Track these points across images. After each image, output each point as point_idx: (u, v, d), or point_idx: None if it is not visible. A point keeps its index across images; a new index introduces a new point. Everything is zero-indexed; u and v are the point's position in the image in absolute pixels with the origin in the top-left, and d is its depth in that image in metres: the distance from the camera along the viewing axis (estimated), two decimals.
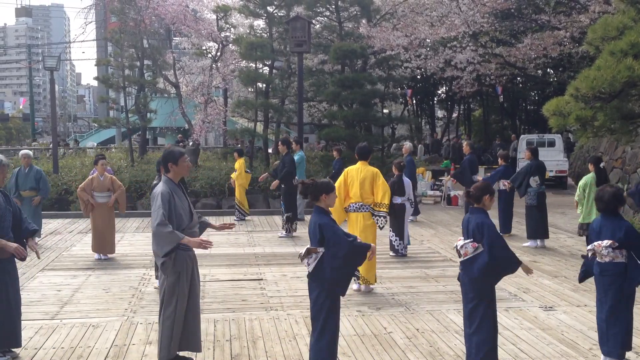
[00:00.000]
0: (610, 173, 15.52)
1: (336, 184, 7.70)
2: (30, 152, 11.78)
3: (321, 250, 4.82)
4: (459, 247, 5.13)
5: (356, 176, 7.81)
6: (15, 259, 5.46)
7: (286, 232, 11.91)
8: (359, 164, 7.91)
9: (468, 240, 5.07)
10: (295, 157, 12.54)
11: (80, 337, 6.10)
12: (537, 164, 10.91)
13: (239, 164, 13.96)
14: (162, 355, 5.02)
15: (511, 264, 5.07)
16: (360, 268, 7.65)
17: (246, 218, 14.04)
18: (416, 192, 17.79)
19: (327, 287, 4.80)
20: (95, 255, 9.82)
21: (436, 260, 9.78)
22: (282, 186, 12.05)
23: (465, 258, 5.06)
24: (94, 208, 9.78)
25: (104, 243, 9.79)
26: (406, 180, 10.02)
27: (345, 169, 8.12)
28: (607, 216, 5.29)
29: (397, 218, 9.82)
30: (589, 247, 5.39)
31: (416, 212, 13.84)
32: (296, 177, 12.12)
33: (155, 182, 7.02)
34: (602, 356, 5.29)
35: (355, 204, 7.79)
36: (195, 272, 5.19)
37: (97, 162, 10.12)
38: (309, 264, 4.89)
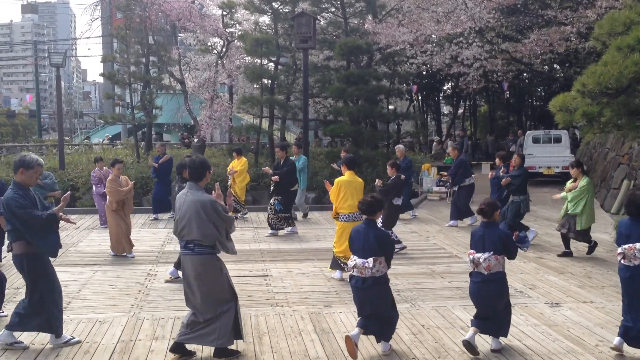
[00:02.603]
0: (617, 169, 15.45)
1: (331, 193, 7.98)
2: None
3: (381, 259, 5.51)
4: (481, 260, 5.49)
5: (351, 188, 8.03)
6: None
7: (288, 226, 11.81)
8: (349, 174, 8.15)
9: (489, 254, 5.47)
10: (298, 163, 12.48)
11: (87, 333, 6.13)
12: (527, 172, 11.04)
13: (242, 163, 13.80)
14: (221, 342, 5.36)
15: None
16: None
17: (247, 213, 13.96)
18: (421, 189, 17.85)
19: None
20: (126, 253, 9.82)
21: (442, 257, 9.77)
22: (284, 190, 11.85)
23: (490, 272, 5.49)
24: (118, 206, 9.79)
25: (126, 241, 9.81)
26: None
27: (337, 180, 8.19)
28: (637, 219, 5.41)
29: (391, 216, 9.74)
30: (619, 249, 5.41)
31: (409, 207, 13.81)
32: (298, 185, 12.05)
33: (174, 184, 7.18)
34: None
35: (352, 214, 8.04)
36: None
37: (113, 165, 10.16)
38: (378, 271, 5.48)
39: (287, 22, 20.20)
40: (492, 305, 5.54)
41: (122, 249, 9.76)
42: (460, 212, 12.81)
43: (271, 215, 11.75)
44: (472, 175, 13.25)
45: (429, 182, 18.00)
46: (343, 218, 8.10)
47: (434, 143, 30.17)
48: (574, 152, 21.29)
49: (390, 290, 5.70)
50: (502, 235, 5.54)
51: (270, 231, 11.71)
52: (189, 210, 5.20)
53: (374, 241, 5.47)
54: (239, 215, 13.77)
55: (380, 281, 5.49)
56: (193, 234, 5.20)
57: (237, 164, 13.68)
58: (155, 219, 13.68)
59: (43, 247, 5.45)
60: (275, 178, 11.61)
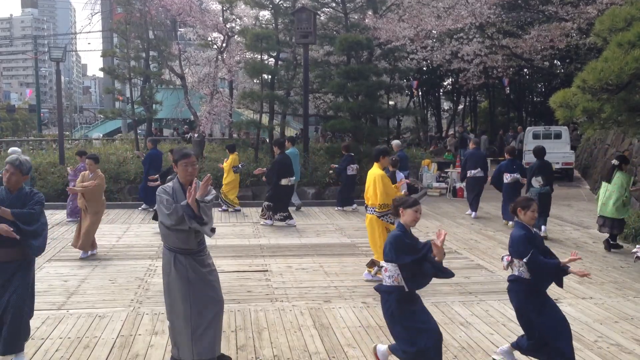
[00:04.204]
0: None
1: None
2: (19, 150, 11.70)
3: (384, 264, 4.76)
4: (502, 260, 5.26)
5: (370, 179, 7.89)
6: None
7: (268, 219, 11.97)
8: (375, 166, 7.94)
9: (505, 254, 5.16)
10: (287, 151, 12.55)
11: (86, 328, 6.14)
12: (539, 164, 10.89)
13: (231, 159, 13.77)
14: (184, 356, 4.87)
15: (548, 273, 4.87)
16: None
17: (239, 210, 14.05)
18: (421, 185, 17.86)
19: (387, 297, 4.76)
20: (81, 254, 9.33)
21: None
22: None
23: (510, 274, 5.10)
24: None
25: (76, 237, 9.42)
26: (400, 175, 10.23)
27: None
28: None
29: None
30: (638, 246, 5.44)
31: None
32: (291, 178, 12.09)
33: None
34: None
35: (367, 206, 7.94)
36: (190, 274, 4.90)
37: (85, 159, 9.96)
38: (389, 278, 4.78)
39: (288, 17, 20.18)
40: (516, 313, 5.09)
41: (84, 247, 9.39)
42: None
43: None
44: (478, 169, 13.26)
45: (428, 178, 18.02)
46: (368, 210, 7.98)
47: (449, 138, 30.24)
48: (574, 149, 21.30)
49: (395, 311, 4.73)
50: (511, 235, 5.05)
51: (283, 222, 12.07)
52: None
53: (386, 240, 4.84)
54: (219, 209, 13.81)
55: (383, 292, 4.76)
56: None
57: (226, 162, 13.80)
58: (145, 209, 14.14)
59: None
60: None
